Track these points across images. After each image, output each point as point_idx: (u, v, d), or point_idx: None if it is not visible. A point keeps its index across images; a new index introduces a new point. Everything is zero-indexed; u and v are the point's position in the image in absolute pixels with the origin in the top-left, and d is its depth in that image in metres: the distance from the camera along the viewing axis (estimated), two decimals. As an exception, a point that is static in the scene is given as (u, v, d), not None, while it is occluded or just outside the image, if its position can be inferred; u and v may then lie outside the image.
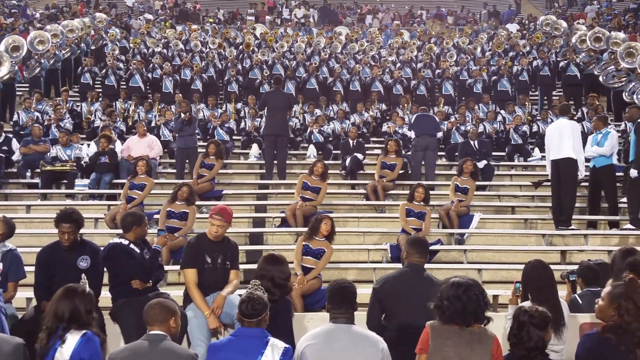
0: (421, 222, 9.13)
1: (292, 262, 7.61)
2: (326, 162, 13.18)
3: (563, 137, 9.50)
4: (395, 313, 4.89)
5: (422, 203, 9.28)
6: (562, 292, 5.45)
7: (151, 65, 17.05)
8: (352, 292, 4.39)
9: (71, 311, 4.13)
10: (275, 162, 11.92)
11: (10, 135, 12.51)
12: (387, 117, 15.03)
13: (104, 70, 16.40)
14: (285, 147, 12.18)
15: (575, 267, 6.37)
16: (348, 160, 12.33)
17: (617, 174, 11.03)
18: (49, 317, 4.15)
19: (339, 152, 13.15)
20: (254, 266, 6.40)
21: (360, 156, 12.40)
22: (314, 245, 7.61)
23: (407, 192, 9.86)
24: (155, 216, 9.46)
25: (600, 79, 15.35)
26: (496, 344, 4.01)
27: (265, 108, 12.66)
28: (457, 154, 12.73)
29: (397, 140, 11.78)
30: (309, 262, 7.53)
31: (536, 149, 13.31)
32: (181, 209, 9.04)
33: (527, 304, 4.92)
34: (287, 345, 4.22)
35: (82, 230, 5.88)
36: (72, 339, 4.08)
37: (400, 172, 11.92)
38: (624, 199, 10.62)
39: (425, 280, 5.10)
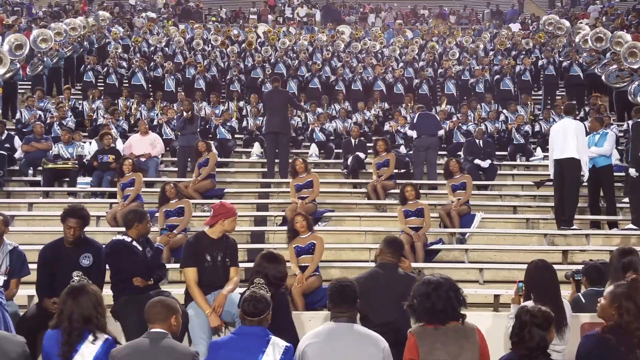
0: (421, 220, 9.11)
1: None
2: (328, 161, 13.29)
3: (567, 137, 9.48)
4: (370, 313, 4.85)
5: (415, 201, 9.27)
6: (565, 292, 5.44)
7: (153, 63, 17.07)
8: (353, 290, 4.38)
9: (96, 312, 4.14)
10: (277, 160, 11.93)
11: (13, 133, 12.53)
12: (389, 116, 15.03)
13: (105, 69, 16.43)
14: (287, 146, 12.19)
15: (580, 266, 6.37)
16: (350, 159, 12.32)
17: (618, 174, 11.04)
18: (75, 320, 4.11)
19: (340, 151, 13.16)
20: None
21: (362, 155, 12.40)
22: (303, 243, 7.59)
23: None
24: (157, 214, 9.48)
25: (603, 78, 15.33)
26: (480, 335, 4.02)
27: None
28: (460, 152, 12.72)
29: (385, 139, 11.72)
30: (306, 260, 7.50)
31: (538, 149, 13.29)
32: (176, 205, 9.12)
33: (529, 303, 4.92)
34: (288, 344, 4.22)
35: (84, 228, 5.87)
36: (95, 343, 4.10)
37: (402, 171, 11.92)
38: (625, 199, 10.62)
39: (399, 278, 5.11)
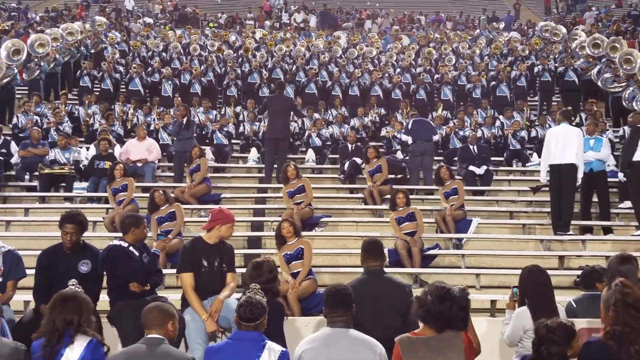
0: (415, 224, 9.13)
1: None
2: (323, 166, 13.31)
3: (567, 143, 9.49)
4: (361, 321, 4.78)
5: (405, 207, 9.29)
6: (559, 297, 5.45)
7: (150, 68, 17.09)
8: (348, 294, 4.39)
9: (78, 317, 4.13)
10: (275, 166, 11.94)
11: (9, 138, 12.51)
12: (386, 122, 15.06)
13: (100, 74, 16.43)
14: (286, 151, 12.22)
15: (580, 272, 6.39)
16: (346, 164, 12.34)
17: (613, 179, 11.04)
18: (57, 323, 4.11)
19: (336, 156, 13.17)
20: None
21: (358, 160, 12.42)
22: (291, 249, 7.56)
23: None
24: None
25: (599, 83, 15.38)
26: (466, 340, 3.92)
27: (267, 112, 12.69)
28: (456, 158, 12.75)
29: (374, 147, 11.72)
30: (297, 267, 7.47)
31: (534, 154, 13.31)
32: (167, 211, 9.12)
33: (523, 309, 4.94)
34: (284, 349, 4.24)
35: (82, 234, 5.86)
36: (78, 345, 4.07)
37: (399, 176, 11.94)
38: (621, 205, 10.63)
39: (385, 284, 5.09)
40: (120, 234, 6.22)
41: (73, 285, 4.53)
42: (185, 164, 11.70)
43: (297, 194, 9.97)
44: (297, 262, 7.50)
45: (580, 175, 9.59)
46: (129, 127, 14.20)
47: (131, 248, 5.76)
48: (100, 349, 4.13)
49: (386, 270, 8.61)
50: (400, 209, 9.25)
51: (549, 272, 5.29)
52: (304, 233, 8.78)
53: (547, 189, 10.29)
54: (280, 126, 11.88)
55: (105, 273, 5.83)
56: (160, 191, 9.34)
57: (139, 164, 11.83)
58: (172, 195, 9.96)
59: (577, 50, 17.09)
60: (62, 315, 4.11)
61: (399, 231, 9.11)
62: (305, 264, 7.47)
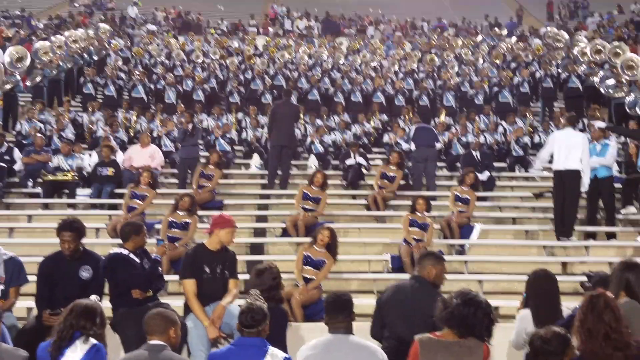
0: (423, 233, 9.13)
1: (293, 272, 7.64)
2: (326, 172, 13.29)
3: (570, 149, 9.47)
4: (391, 323, 4.85)
5: (425, 214, 9.29)
6: (562, 302, 5.42)
7: (154, 75, 17.13)
8: (348, 300, 4.41)
9: (92, 324, 4.15)
10: (278, 172, 11.93)
11: (13, 145, 12.54)
12: (389, 128, 15.06)
13: (103, 80, 16.49)
14: (290, 158, 12.22)
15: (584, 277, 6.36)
16: (350, 171, 12.33)
17: (617, 185, 11.02)
18: (71, 323, 4.13)
19: (339, 162, 13.16)
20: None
21: (362, 161, 12.43)
22: (315, 256, 7.60)
23: (408, 202, 9.89)
24: (157, 226, 9.49)
25: (602, 89, 15.36)
26: (486, 351, 3.88)
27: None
28: (459, 164, 12.75)
29: (401, 153, 11.75)
30: (309, 273, 7.53)
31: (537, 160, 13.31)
32: (183, 219, 9.08)
33: (526, 311, 4.93)
34: (287, 355, 4.24)
35: (83, 240, 5.87)
36: (81, 348, 4.08)
37: (402, 183, 11.93)
38: (624, 210, 10.59)
39: (429, 294, 4.86)
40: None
41: (94, 298, 4.58)
42: (189, 170, 11.73)
43: (310, 200, 9.98)
44: (312, 269, 7.56)
45: (586, 181, 9.53)
46: (132, 134, 14.22)
47: (132, 255, 5.77)
48: (101, 354, 4.13)
49: (389, 276, 8.73)
50: (419, 214, 9.25)
51: (552, 277, 5.26)
52: (305, 239, 8.77)
53: (550, 194, 10.26)
54: (285, 133, 11.89)
55: (107, 281, 5.84)
56: (189, 197, 9.30)
57: (142, 171, 11.83)
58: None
59: (578, 56, 17.08)
60: (76, 319, 4.14)
61: (408, 232, 9.10)
62: (319, 276, 7.55)
